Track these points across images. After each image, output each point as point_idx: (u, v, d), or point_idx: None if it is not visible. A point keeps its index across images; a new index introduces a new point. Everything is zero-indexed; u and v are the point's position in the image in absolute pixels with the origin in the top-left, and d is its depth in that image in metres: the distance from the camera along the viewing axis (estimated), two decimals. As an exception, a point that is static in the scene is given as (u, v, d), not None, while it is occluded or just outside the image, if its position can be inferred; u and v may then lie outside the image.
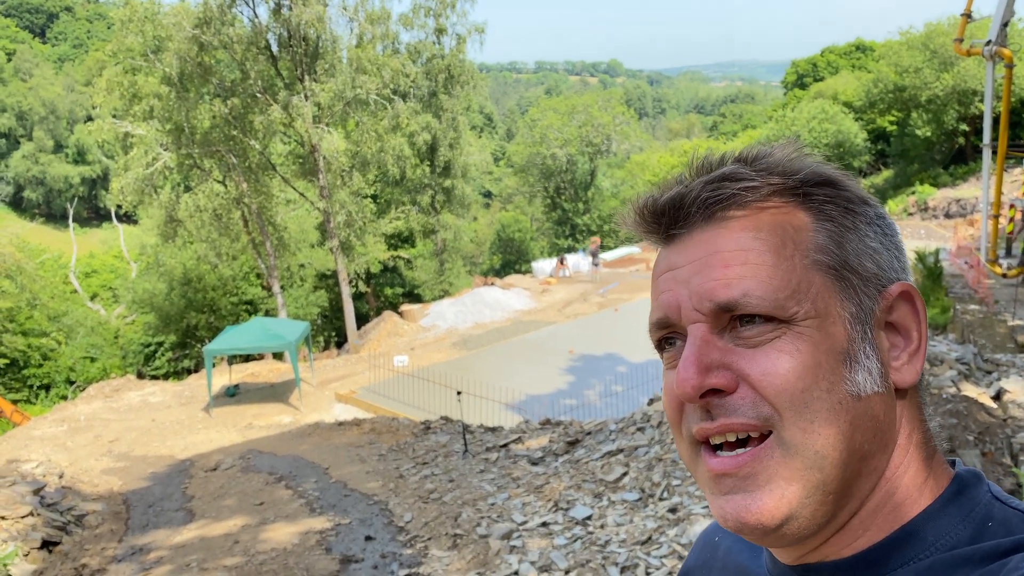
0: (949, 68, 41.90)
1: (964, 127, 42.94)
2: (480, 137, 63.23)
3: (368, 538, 8.10)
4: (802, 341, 0.68)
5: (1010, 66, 18.16)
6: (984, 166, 16.92)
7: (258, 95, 28.58)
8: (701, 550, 0.98)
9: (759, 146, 0.77)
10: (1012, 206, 23.70)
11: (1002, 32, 17.41)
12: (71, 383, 32.75)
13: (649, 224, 0.78)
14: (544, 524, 7.41)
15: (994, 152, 18.14)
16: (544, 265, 34.89)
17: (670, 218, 0.75)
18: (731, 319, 0.71)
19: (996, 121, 18.60)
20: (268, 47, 29.25)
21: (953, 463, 0.77)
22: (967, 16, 18.88)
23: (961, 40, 18.88)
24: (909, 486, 0.72)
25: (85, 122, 62.91)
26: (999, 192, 18.36)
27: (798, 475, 0.68)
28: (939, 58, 42.56)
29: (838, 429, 0.68)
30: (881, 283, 0.73)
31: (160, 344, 34.11)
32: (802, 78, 68.66)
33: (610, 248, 41.52)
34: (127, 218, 58.03)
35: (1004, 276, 17.06)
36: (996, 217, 16.97)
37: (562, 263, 34.09)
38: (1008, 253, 20.84)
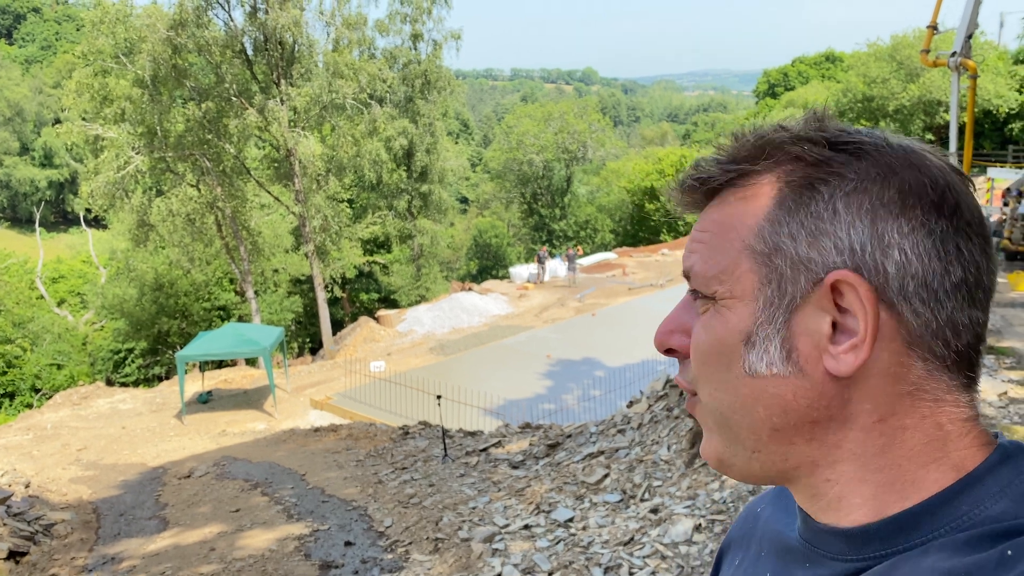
0: (915, 79, 42.56)
1: (930, 136, 43.54)
2: (457, 143, 63.10)
3: (348, 543, 7.98)
4: (717, 318, 0.76)
5: (974, 77, 18.47)
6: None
7: (233, 99, 28.31)
8: (743, 522, 0.98)
9: (754, 126, 0.79)
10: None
11: (966, 44, 17.73)
12: (37, 391, 32.13)
13: (682, 197, 0.84)
14: (526, 527, 7.34)
15: (960, 161, 18.41)
16: (521, 270, 34.83)
17: (698, 192, 0.82)
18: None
19: (961, 131, 18.92)
20: (243, 51, 28.99)
21: (996, 436, 0.74)
22: (933, 28, 19.19)
23: (927, 51, 19.19)
24: (903, 465, 0.71)
25: (53, 124, 61.97)
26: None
27: (715, 428, 0.78)
28: (906, 69, 43.25)
29: (735, 399, 0.75)
30: (817, 269, 0.70)
31: (130, 351, 33.58)
32: (773, 87, 69.47)
33: (587, 253, 41.59)
34: (96, 222, 57.20)
35: None
36: None
37: (540, 261, 33.97)
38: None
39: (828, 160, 0.72)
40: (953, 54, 17.56)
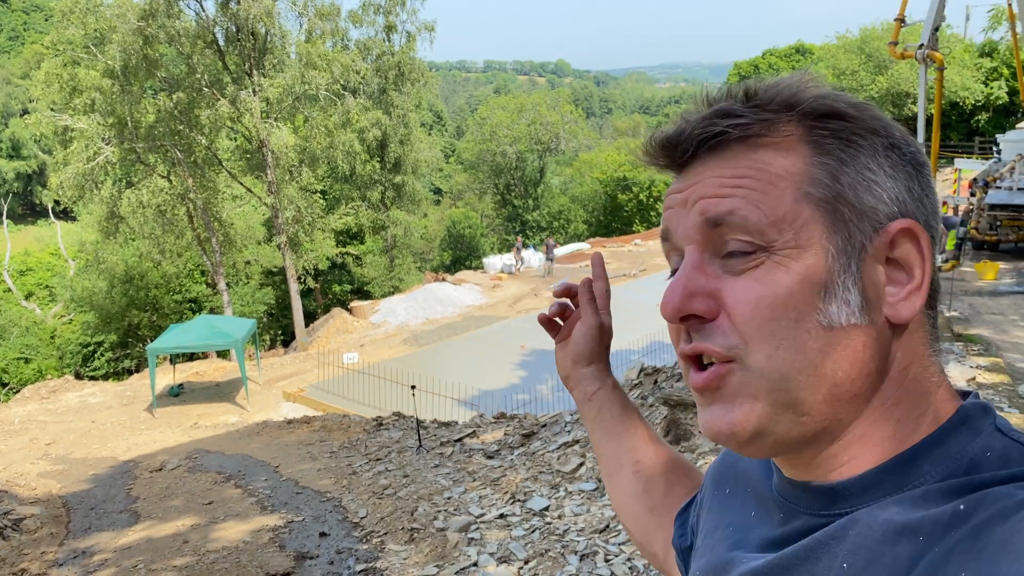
0: (884, 71, 43.04)
1: (899, 128, 44.05)
2: (430, 134, 62.91)
3: (323, 534, 7.97)
4: (778, 271, 0.71)
5: (941, 69, 18.74)
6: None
7: (205, 89, 27.97)
8: (731, 454, 1.00)
9: (765, 79, 0.78)
10: (944, 203, 24.50)
11: (933, 37, 17.98)
12: (3, 385, 31.65)
13: (655, 157, 0.81)
14: (502, 516, 7.37)
15: (928, 152, 18.68)
16: (495, 261, 34.83)
17: (674, 151, 0.78)
18: (724, 241, 0.73)
19: (929, 122, 19.20)
20: (215, 41, 28.66)
21: (966, 395, 0.77)
22: (900, 21, 19.43)
23: (895, 44, 19.44)
24: (902, 418, 0.72)
25: (21, 115, 60.87)
26: (935, 190, 18.82)
27: (763, 394, 0.71)
28: (874, 61, 43.73)
29: (804, 356, 0.70)
30: (880, 218, 0.72)
31: (100, 344, 33.16)
32: (744, 80, 69.68)
33: (560, 244, 41.67)
34: (65, 214, 56.36)
35: (939, 270, 17.56)
36: None
37: (518, 251, 33.98)
38: (942, 249, 21.49)
39: (857, 118, 0.74)
40: (920, 46, 17.80)
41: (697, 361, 0.75)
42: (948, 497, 0.65)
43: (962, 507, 0.62)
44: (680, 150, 0.77)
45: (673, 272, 0.81)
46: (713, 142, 0.75)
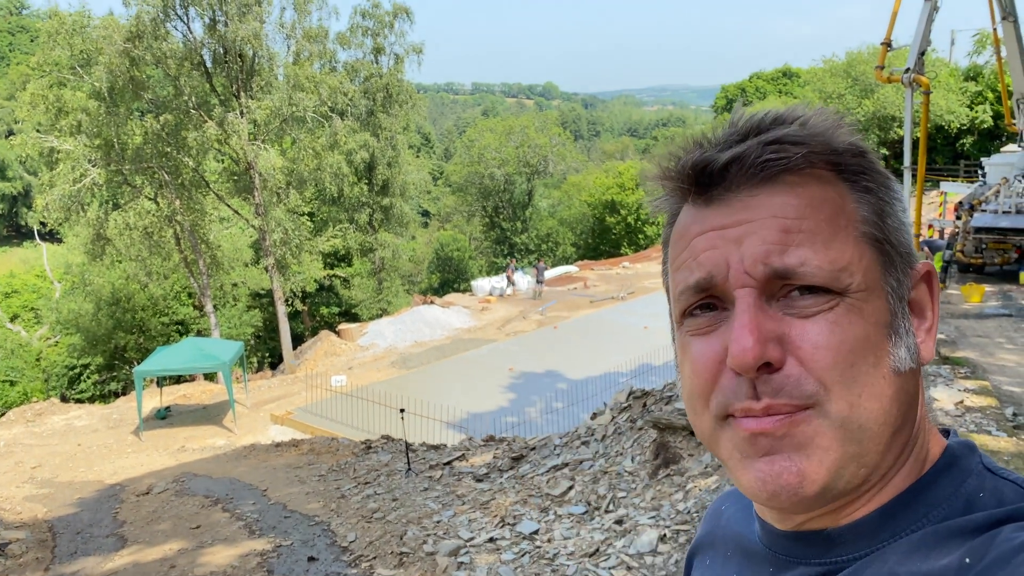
0: (870, 94, 43.54)
1: (884, 151, 44.61)
2: (418, 156, 62.96)
3: (311, 559, 7.91)
4: (854, 314, 0.67)
5: (927, 93, 18.98)
6: (904, 188, 17.61)
7: (192, 111, 27.98)
8: (709, 522, 0.97)
9: (797, 109, 0.75)
10: (931, 226, 24.76)
11: (919, 60, 18.20)
12: (-11, 408, 31.30)
13: (690, 182, 0.74)
14: (491, 540, 7.34)
15: (914, 175, 18.88)
16: (484, 283, 34.84)
17: (723, 180, 0.72)
18: (782, 287, 0.68)
19: (915, 145, 19.41)
20: (203, 63, 28.69)
21: (947, 433, 0.77)
22: (887, 45, 19.66)
23: (882, 67, 19.67)
24: (915, 460, 0.73)
25: (6, 137, 60.56)
26: (919, 213, 19.07)
27: (836, 444, 0.66)
28: (860, 85, 44.24)
29: (880, 404, 0.67)
30: (911, 261, 0.73)
31: (86, 366, 32.90)
32: (731, 103, 70.51)
33: (549, 266, 41.73)
34: (51, 236, 56.04)
35: None
36: (916, 236, 17.63)
37: (511, 274, 33.95)
38: None
39: (876, 162, 0.75)
40: (907, 70, 18.01)
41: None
42: (947, 540, 0.65)
43: (968, 560, 0.62)
44: (734, 173, 0.71)
45: (703, 330, 0.73)
46: (775, 168, 0.70)
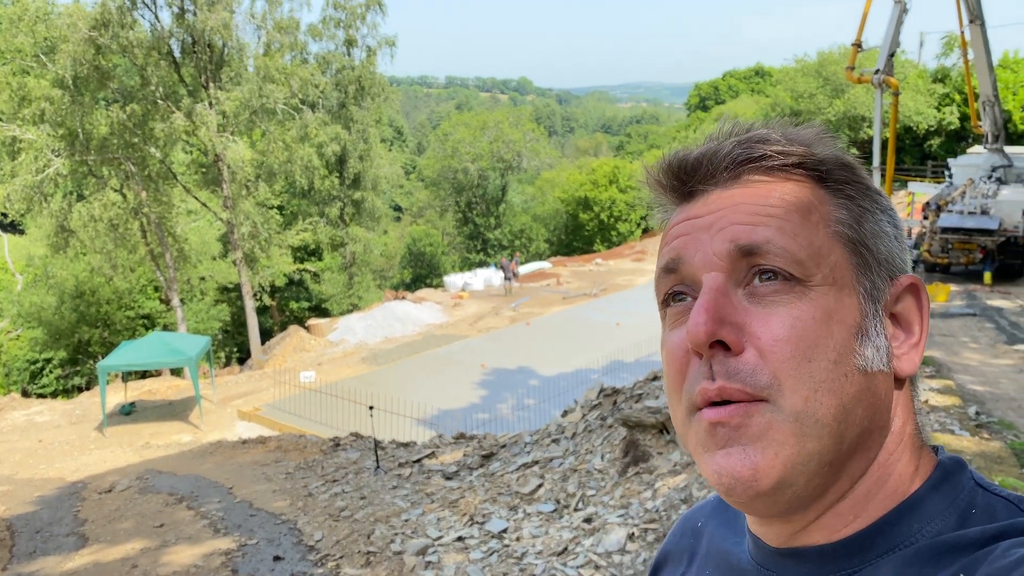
0: (841, 94, 43.97)
1: (854, 151, 44.88)
2: (391, 150, 62.62)
3: (277, 558, 7.79)
4: (816, 307, 0.67)
5: (896, 94, 19.22)
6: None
7: (160, 102, 27.56)
8: (681, 535, 0.96)
9: (786, 122, 0.77)
10: (900, 226, 25.01)
11: (889, 62, 18.43)
12: (-53, 403, 30.64)
13: (673, 180, 0.77)
14: (460, 538, 7.28)
15: (882, 175, 19.10)
16: (456, 279, 34.69)
17: (697, 173, 0.75)
18: (749, 271, 0.69)
19: (884, 145, 19.64)
20: (171, 53, 28.26)
21: (936, 450, 0.76)
22: (857, 46, 19.89)
23: (852, 68, 19.89)
24: (901, 475, 0.72)
25: (-32, 126, 59.33)
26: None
27: (792, 439, 0.65)
28: (831, 85, 44.66)
29: (840, 401, 0.66)
30: (892, 270, 0.73)
31: (48, 360, 32.31)
32: (704, 100, 71.05)
33: (522, 263, 41.70)
34: (12, 227, 54.96)
35: None
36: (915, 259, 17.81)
37: (514, 266, 33.55)
38: None
39: (862, 175, 0.75)
40: (876, 71, 18.22)
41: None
42: (941, 556, 0.64)
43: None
44: (710, 169, 0.74)
45: (677, 321, 0.74)
46: (752, 165, 0.72)
